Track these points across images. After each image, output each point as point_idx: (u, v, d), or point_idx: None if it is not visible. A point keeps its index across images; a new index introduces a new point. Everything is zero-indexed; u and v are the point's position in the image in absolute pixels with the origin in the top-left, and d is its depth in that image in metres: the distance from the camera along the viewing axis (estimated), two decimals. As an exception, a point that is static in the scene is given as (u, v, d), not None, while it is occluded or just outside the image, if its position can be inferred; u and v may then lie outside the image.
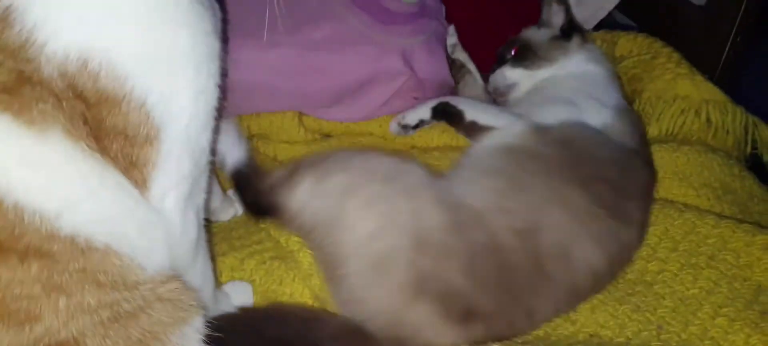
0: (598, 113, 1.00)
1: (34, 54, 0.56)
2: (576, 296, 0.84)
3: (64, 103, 0.57)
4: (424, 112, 1.09)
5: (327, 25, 1.08)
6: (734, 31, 1.20)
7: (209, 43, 0.67)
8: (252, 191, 0.89)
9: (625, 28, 1.40)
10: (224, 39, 0.72)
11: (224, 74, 0.71)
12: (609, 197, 0.86)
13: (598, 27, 1.35)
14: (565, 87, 1.07)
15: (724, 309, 0.83)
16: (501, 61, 1.16)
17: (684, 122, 1.15)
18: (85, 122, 0.58)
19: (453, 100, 1.07)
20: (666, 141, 1.10)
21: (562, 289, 0.82)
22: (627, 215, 0.88)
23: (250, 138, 1.15)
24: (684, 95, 1.16)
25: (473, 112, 1.03)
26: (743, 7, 1.19)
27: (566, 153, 0.90)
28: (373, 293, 0.79)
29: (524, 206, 0.83)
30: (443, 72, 1.19)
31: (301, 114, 1.17)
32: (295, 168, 0.86)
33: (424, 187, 0.84)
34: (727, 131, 1.13)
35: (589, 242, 0.82)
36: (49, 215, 0.56)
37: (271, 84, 1.10)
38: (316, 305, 0.86)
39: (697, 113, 1.14)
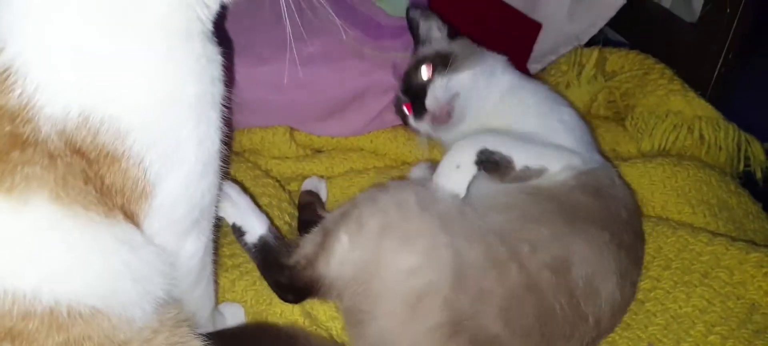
0: (578, 154, 0.91)
1: (32, 115, 0.54)
2: (599, 334, 0.80)
3: (59, 162, 0.55)
4: (466, 169, 0.85)
5: (318, 40, 1.08)
6: (726, 48, 1.21)
7: (215, 91, 0.66)
8: (285, 273, 0.81)
9: (617, 44, 1.40)
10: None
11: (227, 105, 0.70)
12: (627, 238, 0.83)
13: (590, 43, 1.36)
14: (518, 105, 0.98)
15: (717, 328, 0.82)
16: (418, 88, 1.01)
17: (677, 138, 1.14)
18: (86, 181, 0.57)
19: (491, 145, 0.86)
20: (660, 156, 1.09)
21: (591, 327, 0.77)
22: (638, 256, 0.87)
23: (241, 153, 1.14)
24: (676, 111, 1.16)
25: (522, 155, 0.86)
26: (735, 23, 1.20)
27: (587, 195, 0.85)
28: (405, 335, 0.73)
29: (551, 239, 0.78)
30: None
31: (292, 129, 1.17)
32: (325, 232, 0.80)
33: (457, 218, 0.79)
34: (720, 148, 1.13)
35: (613, 277, 0.78)
36: (25, 293, 0.53)
37: (262, 99, 1.10)
38: (306, 322, 0.84)
39: (690, 129, 1.14)
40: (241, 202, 0.88)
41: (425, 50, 1.07)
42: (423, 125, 1.01)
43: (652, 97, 1.20)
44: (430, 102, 0.98)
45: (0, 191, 0.53)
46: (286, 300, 0.83)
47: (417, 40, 1.11)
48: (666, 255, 0.91)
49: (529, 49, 1.43)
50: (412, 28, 1.11)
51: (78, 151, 0.56)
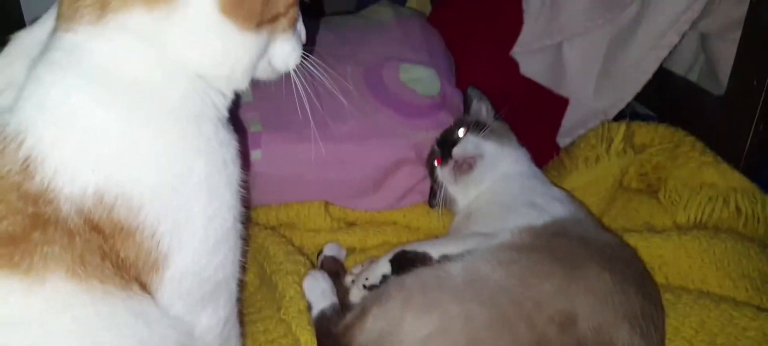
0: (562, 205, 1.00)
1: (53, 196, 0.57)
2: None
3: (77, 240, 0.57)
4: (383, 266, 0.96)
5: (352, 120, 1.13)
6: (755, 119, 1.21)
7: (228, 172, 0.68)
8: (330, 340, 0.88)
9: (645, 118, 1.42)
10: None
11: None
12: (631, 274, 0.84)
13: (618, 117, 1.37)
14: (518, 189, 1.06)
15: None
16: (451, 142, 1.10)
17: (713, 210, 1.13)
18: (103, 257, 0.58)
19: (409, 247, 0.97)
20: (696, 229, 1.08)
21: None
22: (648, 292, 0.85)
23: (277, 227, 1.17)
24: (710, 183, 1.15)
25: (438, 248, 0.94)
26: (763, 95, 1.20)
27: (571, 241, 0.89)
28: None
29: (553, 293, 0.80)
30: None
31: (327, 203, 1.20)
32: (364, 306, 0.87)
33: (468, 284, 0.83)
34: (758, 220, 1.11)
35: (624, 323, 0.78)
36: None
37: (299, 176, 1.14)
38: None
39: (726, 202, 1.12)
40: (316, 285, 0.96)
41: (467, 118, 1.18)
42: (445, 172, 1.09)
43: (684, 169, 1.19)
44: (457, 150, 1.08)
45: (19, 271, 0.54)
46: None
47: (466, 111, 1.23)
48: (710, 330, 0.88)
49: (558, 124, 1.46)
50: (467, 101, 1.25)
51: (95, 228, 0.58)
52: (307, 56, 0.80)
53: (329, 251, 1.10)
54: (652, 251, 1.02)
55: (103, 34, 0.61)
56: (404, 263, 0.94)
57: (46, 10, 0.72)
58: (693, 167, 1.18)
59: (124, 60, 0.62)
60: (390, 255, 0.97)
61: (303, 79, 0.81)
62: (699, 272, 0.99)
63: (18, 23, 0.69)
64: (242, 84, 0.72)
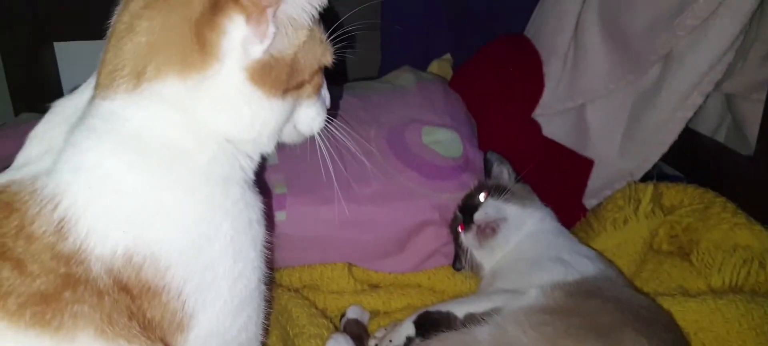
0: (591, 262, 0.99)
1: (84, 257, 0.59)
2: None
3: (106, 299, 0.59)
4: (407, 328, 0.95)
5: (376, 182, 1.14)
6: (787, 180, 1.18)
7: (253, 233, 0.70)
8: None
9: (673, 179, 1.40)
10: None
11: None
12: (669, 340, 0.81)
13: (645, 178, 1.36)
14: (544, 246, 1.05)
15: None
16: (473, 207, 1.10)
17: (748, 273, 1.09)
18: (131, 316, 0.60)
19: (433, 308, 0.96)
20: (732, 293, 1.04)
21: None
22: None
23: (300, 289, 1.17)
24: (744, 245, 1.12)
25: (463, 306, 0.92)
26: (794, 155, 1.18)
27: (605, 303, 0.86)
28: None
29: None
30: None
31: (350, 265, 1.19)
32: None
33: None
34: (797, 283, 1.07)
35: None
36: None
37: (323, 237, 1.14)
38: None
39: (762, 264, 1.09)
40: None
41: (488, 182, 1.18)
42: (469, 238, 1.09)
43: (716, 231, 1.16)
44: (479, 215, 1.08)
45: (49, 329, 0.55)
46: None
47: (487, 176, 1.23)
48: (752, 399, 0.84)
49: (584, 186, 1.45)
50: (487, 166, 1.25)
51: (124, 288, 0.60)
52: (331, 120, 0.82)
53: (352, 313, 1.09)
54: (687, 315, 0.98)
55: (137, 102, 0.64)
56: (428, 324, 0.92)
57: (84, 80, 0.76)
58: (725, 229, 1.15)
59: (157, 126, 0.65)
60: (414, 316, 0.95)
61: (327, 142, 0.83)
62: (737, 338, 0.95)
63: (57, 92, 0.73)
64: (268, 147, 0.75)
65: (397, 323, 1.01)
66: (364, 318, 1.10)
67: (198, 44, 0.64)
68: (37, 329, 0.55)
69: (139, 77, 0.64)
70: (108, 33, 0.69)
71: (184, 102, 0.65)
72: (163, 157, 0.64)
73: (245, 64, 0.66)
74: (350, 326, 1.06)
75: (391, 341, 0.94)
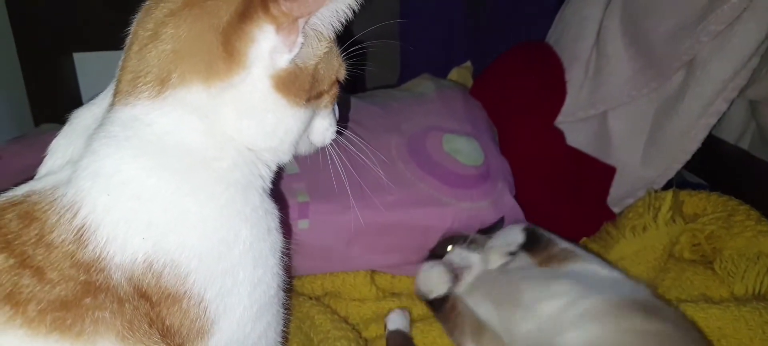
0: None
1: (104, 265, 0.59)
2: None
3: (127, 306, 0.59)
4: (515, 234, 1.00)
5: (397, 189, 1.15)
6: (812, 187, 1.17)
7: (272, 239, 0.71)
8: None
9: (696, 187, 1.38)
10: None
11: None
12: None
13: (668, 186, 1.35)
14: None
15: None
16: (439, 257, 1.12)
17: (773, 281, 1.08)
18: (151, 324, 0.60)
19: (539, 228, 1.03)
20: (755, 300, 1.03)
21: None
22: None
23: (322, 297, 1.18)
24: (768, 253, 1.11)
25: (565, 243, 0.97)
26: (819, 162, 1.17)
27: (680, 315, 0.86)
28: None
29: None
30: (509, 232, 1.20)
31: (373, 272, 1.20)
32: None
33: None
34: (821, 292, 1.05)
35: None
36: None
37: (345, 245, 1.15)
38: None
39: (786, 272, 1.08)
40: None
41: (454, 234, 1.17)
42: None
43: (739, 239, 1.15)
44: (449, 258, 1.07)
45: (70, 335, 0.56)
46: None
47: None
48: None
49: (606, 193, 1.44)
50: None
51: (144, 295, 0.60)
52: (343, 131, 0.84)
53: (393, 324, 1.05)
54: (710, 322, 0.97)
55: (161, 109, 0.65)
56: (534, 240, 0.98)
57: (103, 89, 0.77)
58: (749, 237, 1.14)
59: (178, 132, 0.65)
60: (522, 225, 0.99)
61: (341, 153, 0.85)
62: (760, 345, 0.94)
63: (77, 102, 0.74)
64: (287, 156, 0.76)
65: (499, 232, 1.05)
66: (407, 326, 1.06)
67: (225, 52, 0.65)
68: (57, 334, 0.56)
69: (163, 84, 0.65)
70: (127, 41, 0.70)
71: (207, 109, 0.66)
72: (184, 164, 0.64)
73: (271, 72, 0.67)
74: (394, 339, 1.03)
75: (509, 244, 0.96)
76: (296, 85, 0.69)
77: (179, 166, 0.64)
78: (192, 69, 0.65)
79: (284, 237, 0.74)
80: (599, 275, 0.89)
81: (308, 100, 0.71)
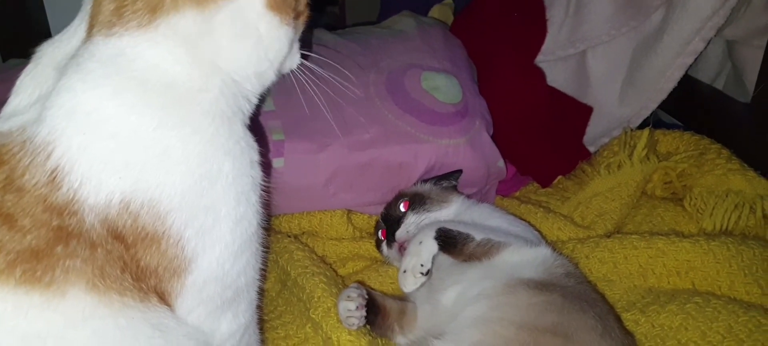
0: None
1: (77, 208, 0.57)
2: None
3: (99, 251, 0.57)
4: (428, 246, 0.93)
5: (375, 127, 1.14)
6: (784, 126, 1.19)
7: (253, 174, 0.70)
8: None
9: (670, 126, 1.40)
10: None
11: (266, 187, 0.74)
12: (616, 327, 0.83)
13: (643, 126, 1.37)
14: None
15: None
16: (394, 219, 1.09)
17: (739, 218, 1.11)
18: (123, 268, 0.59)
19: (449, 225, 0.96)
20: (724, 235, 1.06)
21: None
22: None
23: (299, 235, 1.18)
24: (737, 190, 1.14)
25: (481, 233, 0.94)
26: (791, 102, 1.19)
27: (576, 285, 0.88)
28: None
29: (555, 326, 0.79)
30: (486, 163, 1.21)
31: (350, 212, 1.21)
32: None
33: None
34: (787, 227, 1.09)
35: None
36: None
37: (321, 183, 1.14)
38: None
39: (753, 209, 1.11)
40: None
41: (407, 191, 1.15)
42: (392, 253, 1.08)
43: (710, 176, 1.18)
44: (400, 233, 1.06)
45: (40, 286, 0.54)
46: None
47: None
48: (737, 335, 0.87)
49: (582, 132, 1.45)
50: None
51: (118, 237, 0.58)
52: (308, 55, 0.83)
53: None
54: (679, 255, 1.01)
55: (151, 39, 0.62)
56: (449, 240, 0.93)
57: (72, 21, 0.72)
58: (719, 175, 1.17)
59: (164, 66, 0.63)
60: (432, 232, 0.94)
61: (315, 89, 0.85)
62: (727, 278, 0.98)
63: (44, 36, 0.69)
64: (269, 80, 0.75)
65: (414, 236, 0.98)
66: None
67: None
68: (26, 286, 0.54)
69: (154, 11, 0.62)
70: None
71: (198, 37, 0.64)
72: (168, 98, 0.62)
73: None
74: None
75: (422, 265, 0.91)
76: (286, 2, 0.69)
77: (163, 101, 0.62)
78: None
79: (263, 173, 0.74)
80: (510, 262, 0.89)
81: (296, 17, 0.72)
